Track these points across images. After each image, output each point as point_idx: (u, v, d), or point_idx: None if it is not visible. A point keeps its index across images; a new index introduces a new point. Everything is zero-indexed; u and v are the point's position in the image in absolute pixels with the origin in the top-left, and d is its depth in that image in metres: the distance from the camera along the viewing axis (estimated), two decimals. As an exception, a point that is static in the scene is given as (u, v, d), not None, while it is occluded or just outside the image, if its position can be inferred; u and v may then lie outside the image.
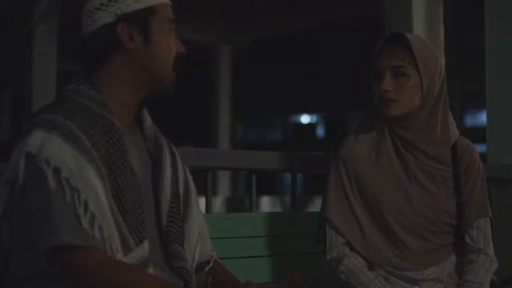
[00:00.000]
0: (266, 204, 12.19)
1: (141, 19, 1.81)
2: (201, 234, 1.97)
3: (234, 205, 12.63)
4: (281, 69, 14.10)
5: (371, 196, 2.33)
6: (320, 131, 16.68)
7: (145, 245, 1.71)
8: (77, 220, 1.59)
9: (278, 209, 11.93)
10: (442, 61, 2.44)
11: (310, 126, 16.50)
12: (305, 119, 16.45)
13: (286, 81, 14.17)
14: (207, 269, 1.98)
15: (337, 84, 13.53)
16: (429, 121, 2.32)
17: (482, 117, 12.10)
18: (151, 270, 1.71)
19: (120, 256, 1.65)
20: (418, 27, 4.59)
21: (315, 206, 9.22)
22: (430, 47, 2.35)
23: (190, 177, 2.01)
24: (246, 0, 10.91)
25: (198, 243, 1.95)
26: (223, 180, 14.04)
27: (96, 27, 1.80)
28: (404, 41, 2.28)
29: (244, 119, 16.27)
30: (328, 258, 2.34)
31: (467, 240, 2.35)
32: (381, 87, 2.28)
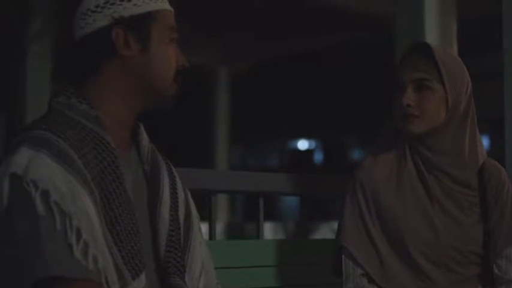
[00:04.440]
0: (268, 230, 12.04)
1: (140, 25, 1.66)
2: (204, 265, 1.83)
3: (234, 231, 12.58)
4: (279, 93, 14.12)
5: (391, 223, 2.18)
6: (318, 157, 16.74)
7: (143, 277, 1.56)
8: (69, 249, 1.44)
9: (281, 236, 11.84)
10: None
11: (308, 152, 16.55)
12: (302, 144, 16.48)
13: (283, 106, 14.17)
14: None
15: (335, 109, 13.53)
16: (456, 141, 2.18)
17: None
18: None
19: None
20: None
21: (321, 232, 9.10)
22: (456, 59, 2.22)
23: (192, 202, 1.87)
24: (245, 22, 10.95)
25: (202, 274, 1.81)
26: (222, 205, 13.92)
27: (89, 30, 1.66)
28: (428, 51, 2.14)
29: (240, 144, 16.32)
30: (344, 291, 2.19)
31: (496, 270, 2.19)
32: (402, 102, 2.13)
